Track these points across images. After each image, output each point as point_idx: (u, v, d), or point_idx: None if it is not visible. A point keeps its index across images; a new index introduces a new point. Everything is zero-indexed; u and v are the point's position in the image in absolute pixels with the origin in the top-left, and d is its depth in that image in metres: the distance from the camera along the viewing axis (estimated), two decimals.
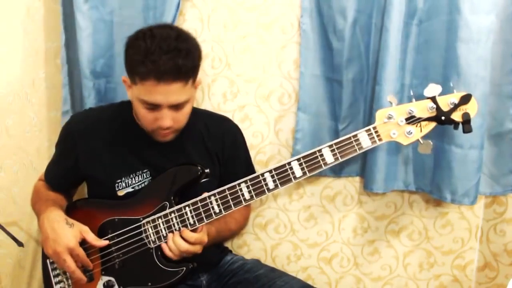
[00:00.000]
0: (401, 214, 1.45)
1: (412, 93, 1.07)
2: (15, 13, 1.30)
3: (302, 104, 1.37)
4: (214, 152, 1.24)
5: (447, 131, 1.25)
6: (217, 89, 1.44)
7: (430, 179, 1.33)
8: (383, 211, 1.46)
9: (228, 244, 1.50)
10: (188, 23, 1.40)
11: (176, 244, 1.06)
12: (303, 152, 1.37)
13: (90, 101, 1.36)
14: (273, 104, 1.43)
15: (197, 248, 1.08)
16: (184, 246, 1.06)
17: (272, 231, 1.51)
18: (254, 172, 1.35)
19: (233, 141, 1.29)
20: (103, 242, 1.11)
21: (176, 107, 1.07)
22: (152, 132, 1.13)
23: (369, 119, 1.32)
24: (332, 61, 1.33)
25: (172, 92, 1.04)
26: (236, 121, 1.43)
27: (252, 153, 1.45)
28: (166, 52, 1.00)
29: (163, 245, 1.08)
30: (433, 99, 1.03)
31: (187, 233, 1.07)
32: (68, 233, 1.06)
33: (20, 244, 1.14)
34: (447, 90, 1.23)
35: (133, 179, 1.17)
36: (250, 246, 1.53)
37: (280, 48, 1.39)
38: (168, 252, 1.07)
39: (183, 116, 1.11)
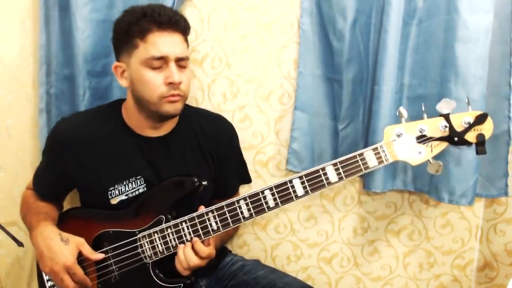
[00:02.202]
0: (401, 214, 1.45)
1: (423, 108, 0.99)
2: (15, 13, 1.30)
3: (300, 104, 1.37)
4: (209, 152, 1.21)
5: None
6: (217, 89, 1.44)
7: (429, 179, 1.33)
8: (383, 211, 1.46)
9: (228, 244, 1.50)
10: None
11: (187, 257, 1.03)
12: (299, 150, 1.39)
13: (85, 99, 1.37)
14: (273, 104, 1.43)
15: (204, 263, 1.06)
16: (195, 261, 1.03)
17: (272, 231, 1.51)
18: (247, 172, 1.37)
19: (228, 140, 1.26)
20: (99, 256, 1.08)
21: (181, 64, 1.08)
22: (160, 102, 1.07)
23: (369, 120, 1.32)
24: (332, 61, 1.33)
25: (176, 42, 1.07)
26: (236, 121, 1.43)
27: (252, 153, 1.45)
28: (164, 8, 1.08)
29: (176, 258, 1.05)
30: (447, 117, 0.96)
31: (199, 246, 1.04)
32: (64, 251, 1.03)
33: (20, 244, 1.13)
34: (447, 91, 1.24)
35: (127, 186, 1.13)
36: (250, 246, 1.53)
37: (280, 48, 1.39)
38: (177, 265, 1.05)
39: (186, 78, 1.10)
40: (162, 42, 1.05)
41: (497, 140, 1.28)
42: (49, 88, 1.40)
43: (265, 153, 1.46)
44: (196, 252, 1.04)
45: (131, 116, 1.15)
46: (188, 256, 1.03)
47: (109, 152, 1.14)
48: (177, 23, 1.07)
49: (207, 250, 1.05)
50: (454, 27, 1.20)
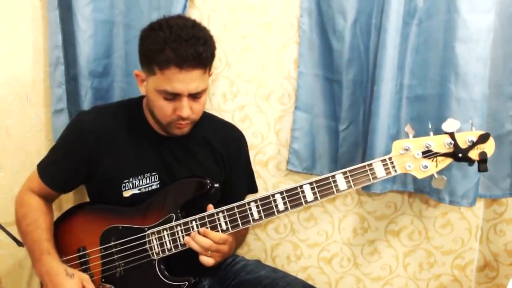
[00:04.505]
0: (401, 214, 1.45)
1: (430, 126, 1.05)
2: (15, 14, 1.30)
3: (301, 104, 1.38)
4: (221, 157, 1.23)
5: None
6: (217, 89, 1.44)
7: (429, 180, 1.33)
8: (383, 211, 1.46)
9: None
10: None
11: (201, 244, 1.05)
12: (300, 150, 1.40)
13: (87, 100, 1.38)
14: (273, 104, 1.43)
15: (225, 248, 1.08)
16: (208, 242, 1.04)
17: (272, 231, 1.52)
18: (254, 182, 1.35)
19: (239, 148, 1.27)
20: None
21: (195, 96, 1.07)
22: (168, 125, 1.11)
23: (368, 120, 1.31)
24: (332, 61, 1.33)
25: (192, 79, 1.04)
26: (236, 121, 1.44)
27: (252, 153, 1.45)
28: (186, 40, 1.01)
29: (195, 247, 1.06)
30: (452, 135, 1.02)
31: (211, 233, 1.05)
32: (69, 287, 1.03)
33: (20, 244, 1.13)
34: (447, 91, 1.23)
35: (141, 181, 1.15)
36: (250, 246, 1.53)
37: (280, 48, 1.39)
38: (204, 260, 1.06)
39: (200, 105, 1.10)
40: (178, 80, 1.02)
41: (501, 140, 1.28)
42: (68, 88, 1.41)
43: (265, 153, 1.46)
44: (213, 240, 1.05)
45: (150, 116, 1.17)
46: (199, 242, 1.04)
47: (128, 146, 1.16)
48: (199, 59, 1.02)
49: (220, 234, 1.06)
50: (454, 26, 1.20)
